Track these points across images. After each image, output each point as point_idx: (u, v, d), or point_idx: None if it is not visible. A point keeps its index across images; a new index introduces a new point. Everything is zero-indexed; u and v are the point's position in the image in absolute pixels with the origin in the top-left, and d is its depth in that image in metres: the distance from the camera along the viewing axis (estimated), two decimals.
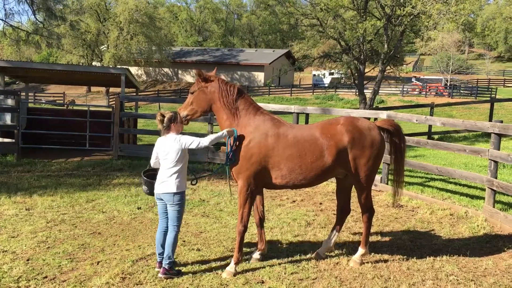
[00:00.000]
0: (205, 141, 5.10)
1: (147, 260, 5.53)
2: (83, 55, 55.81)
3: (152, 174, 5.45)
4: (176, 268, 5.17)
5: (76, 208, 7.78)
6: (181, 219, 5.17)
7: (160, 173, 5.15)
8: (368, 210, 5.54)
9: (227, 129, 5.22)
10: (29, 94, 31.24)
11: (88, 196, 8.60)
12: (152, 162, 5.30)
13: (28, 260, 5.49)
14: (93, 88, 57.51)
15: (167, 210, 5.19)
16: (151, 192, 5.38)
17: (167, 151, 5.07)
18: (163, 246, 5.19)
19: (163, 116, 5.13)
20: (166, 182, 5.05)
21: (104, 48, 56.14)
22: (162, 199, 5.14)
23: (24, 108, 14.23)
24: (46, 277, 5.04)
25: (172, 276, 4.99)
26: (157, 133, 14.85)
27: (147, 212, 7.64)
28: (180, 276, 5.06)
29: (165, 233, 5.21)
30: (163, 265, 5.07)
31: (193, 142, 5.07)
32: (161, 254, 5.20)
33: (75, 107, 28.35)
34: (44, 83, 43.71)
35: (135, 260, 5.50)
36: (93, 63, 55.32)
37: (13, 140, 11.99)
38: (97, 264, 5.41)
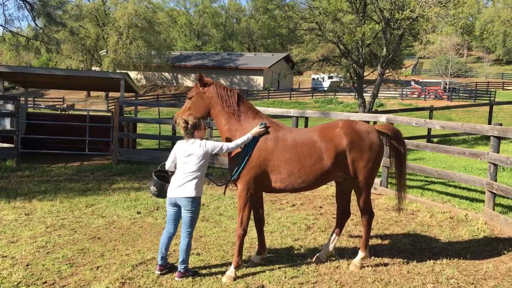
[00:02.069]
0: (231, 145, 5.15)
1: (147, 265, 5.52)
2: (82, 60, 55.85)
3: (162, 176, 5.44)
4: (192, 269, 5.24)
5: (76, 213, 7.78)
6: (194, 225, 5.18)
7: (177, 177, 5.11)
8: (367, 213, 5.53)
9: (253, 132, 5.19)
10: (29, 99, 31.26)
11: (88, 201, 8.59)
12: (168, 165, 5.29)
13: (27, 265, 5.48)
14: (93, 93, 57.57)
15: (177, 216, 5.19)
16: (159, 194, 5.38)
17: (189, 156, 5.05)
18: (166, 249, 5.22)
19: (187, 123, 5.09)
20: (184, 187, 5.03)
21: (103, 53, 56.22)
22: (175, 204, 5.13)
23: (24, 113, 14.25)
24: (45, 282, 5.02)
25: (188, 277, 5.10)
26: (156, 137, 14.84)
27: (146, 217, 7.63)
28: (196, 275, 5.14)
29: (170, 238, 5.22)
30: (178, 269, 5.13)
31: (221, 148, 5.12)
32: (163, 258, 5.21)
33: (74, 112, 28.34)
34: (43, 88, 43.83)
35: (134, 265, 5.49)
36: (93, 68, 55.39)
37: (13, 145, 11.99)
38: (97, 269, 5.40)
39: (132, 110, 36.66)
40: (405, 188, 5.84)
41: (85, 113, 14.95)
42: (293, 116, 10.90)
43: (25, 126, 14.12)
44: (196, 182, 5.06)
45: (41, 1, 23.84)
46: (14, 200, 8.44)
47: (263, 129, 5.21)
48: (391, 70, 27.05)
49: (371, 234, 6.36)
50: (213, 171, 11.38)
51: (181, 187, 5.04)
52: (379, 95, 36.69)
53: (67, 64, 53.70)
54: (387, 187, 9.46)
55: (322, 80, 59.22)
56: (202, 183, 5.16)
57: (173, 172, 5.29)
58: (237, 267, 5.21)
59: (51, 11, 24.74)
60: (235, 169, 5.21)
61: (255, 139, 5.20)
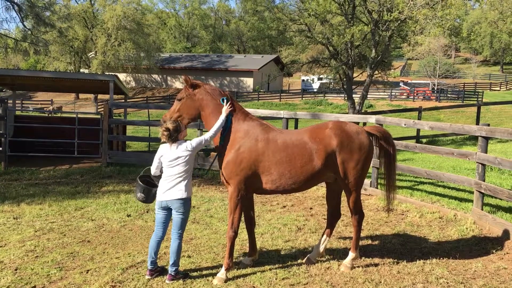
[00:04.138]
0: (210, 133, 5.22)
1: (137, 268, 5.48)
2: (70, 62, 55.50)
3: (146, 181, 5.41)
4: (182, 271, 5.23)
5: (65, 216, 7.71)
6: (185, 226, 5.18)
7: (166, 180, 5.08)
8: (357, 214, 5.55)
9: (224, 114, 5.28)
10: (17, 101, 30.94)
11: (77, 204, 8.52)
12: (153, 170, 5.24)
13: (16, 269, 5.42)
14: (82, 95, 57.21)
15: (166, 220, 5.17)
16: (147, 199, 5.34)
17: (177, 159, 5.02)
18: (156, 253, 5.18)
19: (169, 130, 5.04)
20: (175, 189, 5.01)
21: (92, 55, 55.89)
22: (165, 208, 5.11)
23: (11, 116, 14.10)
24: (34, 286, 4.98)
25: (179, 279, 5.09)
26: (146, 139, 14.80)
27: (136, 220, 7.59)
28: (187, 278, 5.14)
29: (159, 242, 5.19)
30: (169, 272, 5.11)
31: (202, 142, 5.17)
32: (153, 262, 5.18)
33: (63, 114, 28.12)
34: (31, 90, 43.43)
35: (125, 268, 5.46)
36: (81, 70, 55.05)
37: (0, 148, 11.85)
38: (87, 272, 5.36)
39: (121, 112, 36.42)
40: (395, 189, 5.87)
41: (74, 115, 14.83)
42: (284, 117, 10.92)
43: (13, 129, 13.97)
44: (186, 182, 5.06)
45: (29, 2, 23.67)
46: (2, 204, 8.35)
47: (230, 106, 5.34)
48: (380, 71, 27.20)
49: (362, 234, 6.39)
50: (203, 173, 11.35)
51: (172, 189, 5.02)
52: (368, 96, 36.92)
53: (55, 66, 53.33)
54: (377, 187, 9.50)
55: (311, 81, 59.38)
56: (191, 182, 5.17)
57: (156, 176, 5.28)
58: (228, 269, 5.20)
59: (39, 12, 24.57)
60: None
61: (228, 120, 5.32)
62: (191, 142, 5.10)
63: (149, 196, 5.31)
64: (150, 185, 5.35)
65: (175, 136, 5.07)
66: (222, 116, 5.27)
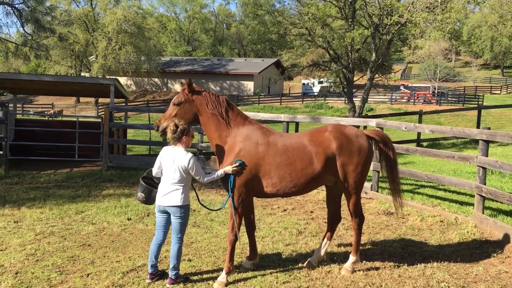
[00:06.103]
0: (206, 180, 5.13)
1: (137, 272, 5.48)
2: (71, 66, 55.57)
3: (148, 182, 5.40)
4: (183, 275, 5.23)
5: (65, 220, 7.71)
6: (184, 230, 5.17)
7: (164, 185, 5.08)
8: (358, 217, 5.55)
9: (226, 169, 5.12)
10: (17, 105, 30.98)
11: (78, 207, 8.52)
12: (154, 171, 5.24)
13: (16, 273, 5.41)
14: (82, 99, 57.24)
15: (166, 223, 5.17)
16: (147, 201, 5.33)
17: (174, 165, 5.01)
18: (156, 257, 5.18)
19: (177, 127, 5.04)
20: (171, 195, 5.01)
21: (93, 59, 55.97)
22: (164, 212, 5.11)
23: (12, 119, 14.12)
24: None
25: (179, 283, 5.09)
26: (147, 143, 14.74)
27: (137, 223, 7.58)
28: (188, 282, 5.13)
29: (160, 246, 5.19)
30: (169, 276, 5.11)
31: (199, 177, 5.09)
32: (154, 265, 5.18)
33: (64, 118, 28.13)
34: (32, 94, 43.56)
35: (125, 272, 5.45)
36: (82, 74, 55.11)
37: (1, 152, 11.86)
38: (87, 276, 5.35)
39: (122, 116, 36.44)
40: (401, 193, 5.83)
41: (75, 119, 14.85)
42: (284, 121, 10.91)
43: (13, 133, 13.98)
44: (182, 190, 5.04)
45: (30, 7, 23.75)
46: (2, 208, 8.35)
47: (236, 168, 5.11)
48: (380, 75, 27.23)
49: (362, 238, 6.38)
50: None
51: (168, 195, 5.02)
52: (368, 99, 36.94)
53: (56, 70, 53.37)
54: (377, 191, 9.49)
55: (312, 85, 59.42)
56: (188, 191, 5.14)
57: (158, 178, 5.28)
58: (228, 273, 5.20)
59: (39, 17, 24.65)
60: (226, 200, 5.24)
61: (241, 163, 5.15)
62: (189, 161, 4.98)
63: (149, 197, 5.30)
64: (151, 186, 5.35)
65: (179, 136, 5.06)
66: (224, 170, 5.13)
